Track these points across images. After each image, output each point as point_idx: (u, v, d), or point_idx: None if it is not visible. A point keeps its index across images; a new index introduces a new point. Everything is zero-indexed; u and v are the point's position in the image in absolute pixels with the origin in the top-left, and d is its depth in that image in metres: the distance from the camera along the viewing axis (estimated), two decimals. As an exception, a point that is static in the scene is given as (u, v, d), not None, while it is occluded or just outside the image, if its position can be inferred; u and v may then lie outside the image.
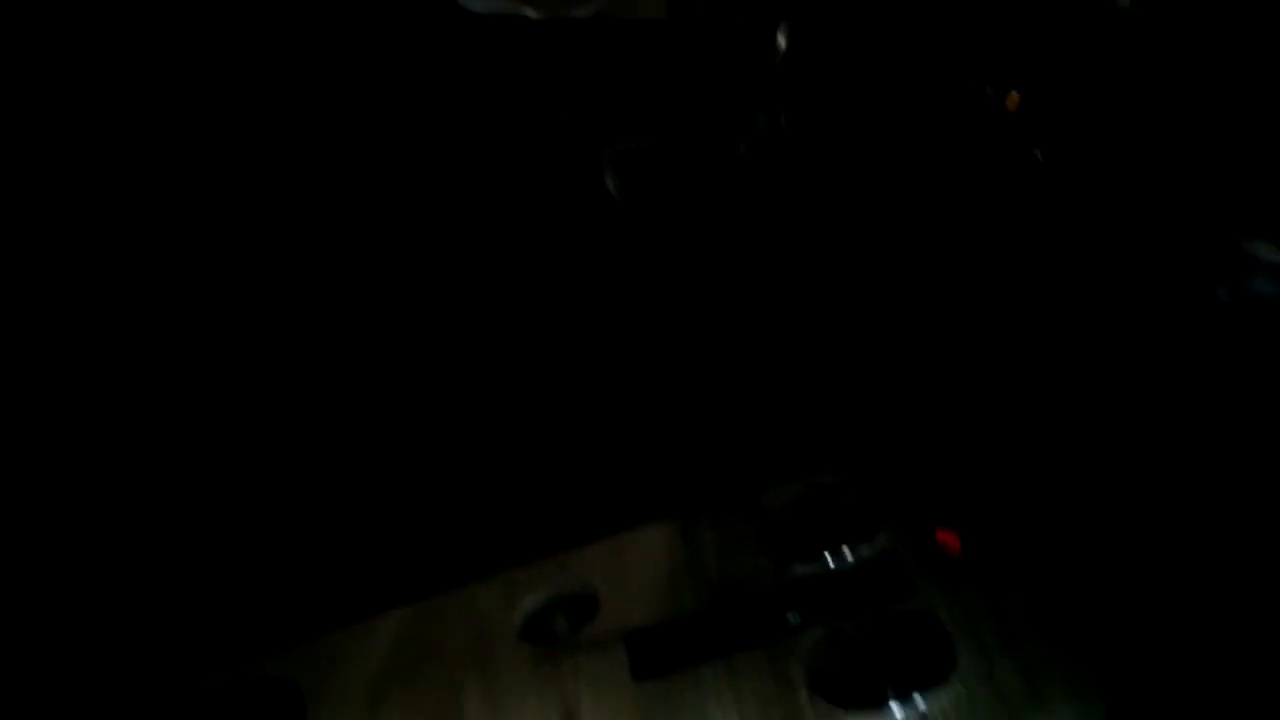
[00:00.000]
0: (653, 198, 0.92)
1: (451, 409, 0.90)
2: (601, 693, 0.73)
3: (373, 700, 0.75)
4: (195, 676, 0.79)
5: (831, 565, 0.77)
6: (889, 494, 0.80)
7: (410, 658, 0.77)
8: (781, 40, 0.82)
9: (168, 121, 0.85)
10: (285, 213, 0.88)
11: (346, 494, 0.89)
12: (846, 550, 0.77)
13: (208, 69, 0.84)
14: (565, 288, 0.91)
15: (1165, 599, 0.72)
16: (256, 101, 0.85)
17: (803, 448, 0.86)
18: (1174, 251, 0.67)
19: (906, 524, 0.78)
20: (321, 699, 0.76)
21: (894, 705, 0.68)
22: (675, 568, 0.80)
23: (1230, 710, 0.67)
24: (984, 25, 0.78)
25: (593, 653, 0.76)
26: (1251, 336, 0.67)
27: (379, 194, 0.90)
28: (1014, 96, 0.76)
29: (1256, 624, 0.68)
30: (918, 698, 0.68)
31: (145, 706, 0.78)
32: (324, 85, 0.86)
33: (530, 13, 0.85)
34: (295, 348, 0.89)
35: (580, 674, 0.75)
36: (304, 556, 0.88)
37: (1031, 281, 0.78)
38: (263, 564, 0.87)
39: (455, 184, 0.91)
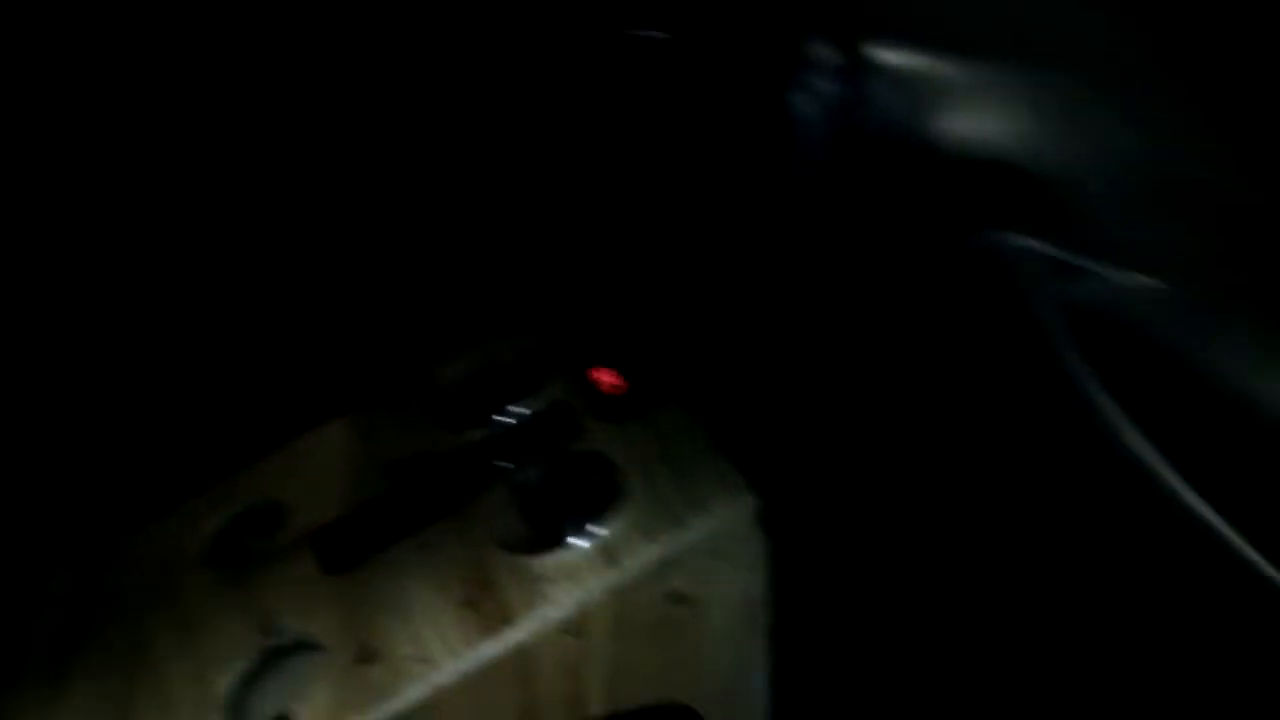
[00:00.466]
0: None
1: (87, 349, 0.84)
2: (298, 596, 0.73)
3: (52, 668, 0.72)
4: None
5: (504, 423, 0.79)
6: (552, 346, 0.82)
7: (89, 615, 0.74)
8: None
9: None
10: None
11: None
12: (517, 408, 0.80)
13: None
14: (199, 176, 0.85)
15: (809, 397, 0.78)
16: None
17: (466, 317, 0.87)
18: (742, 66, 0.70)
19: (570, 371, 0.80)
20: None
21: (574, 540, 0.72)
22: (356, 459, 0.80)
23: (873, 490, 0.74)
24: None
25: (284, 561, 0.75)
26: (828, 137, 0.70)
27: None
28: None
29: (896, 408, 0.73)
30: (594, 528, 0.72)
31: None
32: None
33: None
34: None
35: (274, 584, 0.74)
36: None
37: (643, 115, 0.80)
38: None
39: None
